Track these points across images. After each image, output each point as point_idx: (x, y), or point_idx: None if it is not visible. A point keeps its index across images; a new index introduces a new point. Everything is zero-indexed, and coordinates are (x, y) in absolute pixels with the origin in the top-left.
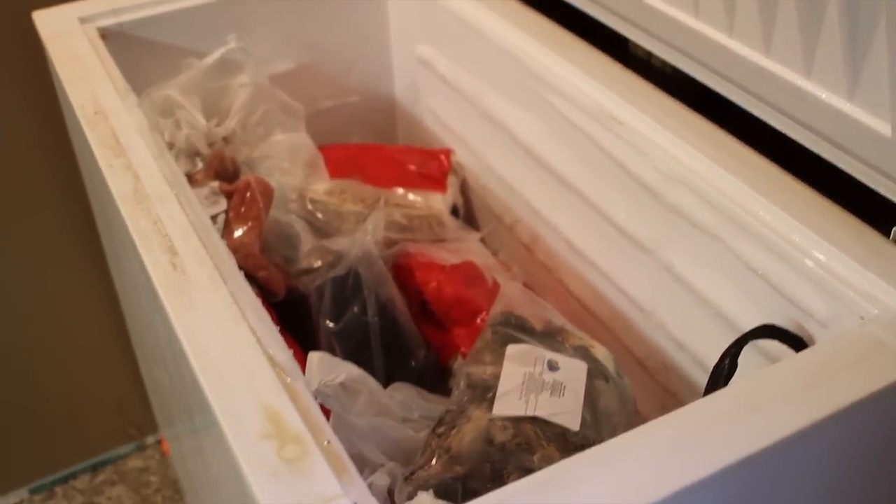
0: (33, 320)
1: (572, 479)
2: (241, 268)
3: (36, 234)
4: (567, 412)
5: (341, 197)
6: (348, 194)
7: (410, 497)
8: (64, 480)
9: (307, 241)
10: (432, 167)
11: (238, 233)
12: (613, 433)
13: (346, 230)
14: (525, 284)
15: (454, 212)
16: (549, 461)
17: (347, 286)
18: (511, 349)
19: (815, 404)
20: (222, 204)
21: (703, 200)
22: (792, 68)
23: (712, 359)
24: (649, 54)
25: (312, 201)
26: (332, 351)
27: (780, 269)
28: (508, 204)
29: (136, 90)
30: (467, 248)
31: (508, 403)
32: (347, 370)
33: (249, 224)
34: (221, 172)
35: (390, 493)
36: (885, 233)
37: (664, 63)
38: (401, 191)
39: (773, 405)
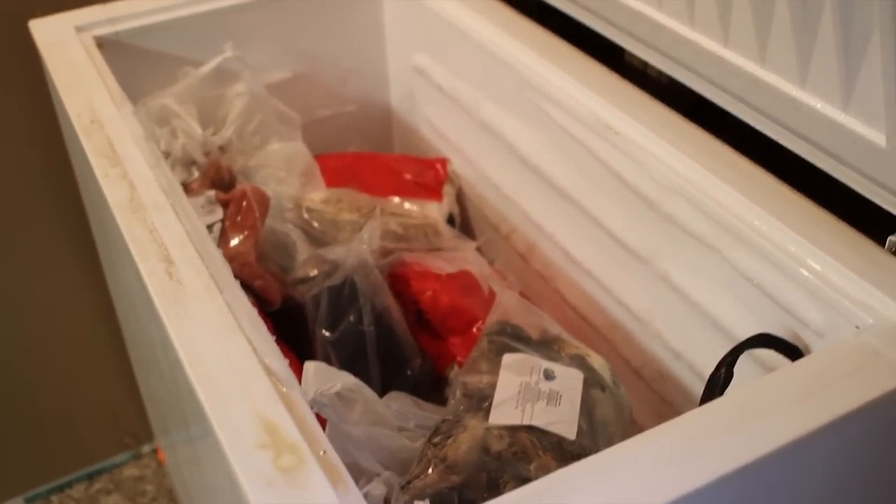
0: (29, 329)
1: (569, 489)
2: (237, 277)
3: (31, 242)
4: (563, 421)
5: (337, 206)
6: (344, 203)
7: None
8: (60, 489)
9: (303, 251)
10: (428, 176)
11: (234, 242)
12: (610, 442)
13: (342, 239)
14: (521, 294)
15: (450, 221)
16: (545, 470)
17: (343, 295)
18: (507, 358)
19: (812, 413)
20: (218, 213)
21: (699, 210)
22: (787, 78)
23: (708, 368)
24: (645, 64)
25: (309, 210)
26: (328, 360)
27: (776, 279)
28: (504, 213)
29: (133, 99)
30: (463, 257)
31: (504, 412)
32: (343, 379)
33: (245, 233)
34: (217, 181)
35: (386, 502)
36: (881, 242)
37: (660, 73)
38: (397, 200)
39: (769, 414)
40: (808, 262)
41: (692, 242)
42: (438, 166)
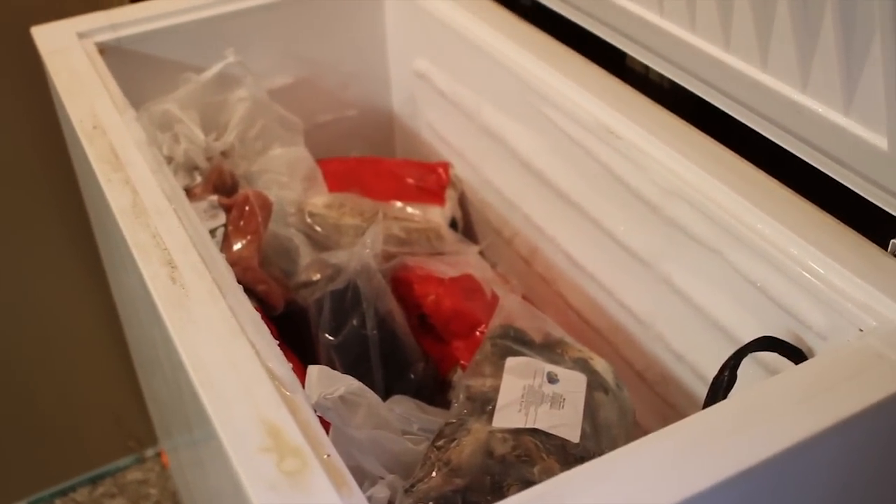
0: (32, 333)
1: (572, 492)
2: (240, 281)
3: (35, 247)
4: (567, 424)
5: (340, 210)
6: (347, 208)
7: None
8: (63, 493)
9: (306, 255)
10: (430, 180)
11: (237, 246)
12: (613, 445)
13: (344, 243)
14: (524, 297)
15: (453, 225)
16: (549, 473)
17: (346, 299)
18: (510, 362)
19: (815, 416)
20: (221, 218)
21: (701, 214)
22: (788, 82)
23: (711, 371)
24: (647, 68)
25: (311, 215)
26: (331, 364)
27: (779, 282)
28: (507, 217)
29: (135, 105)
30: (466, 261)
31: (508, 416)
32: (347, 383)
33: (248, 238)
34: (220, 186)
35: None
36: (883, 245)
37: (661, 77)
38: (399, 204)
39: (772, 417)
40: (810, 264)
41: (694, 245)
42: (441, 170)
